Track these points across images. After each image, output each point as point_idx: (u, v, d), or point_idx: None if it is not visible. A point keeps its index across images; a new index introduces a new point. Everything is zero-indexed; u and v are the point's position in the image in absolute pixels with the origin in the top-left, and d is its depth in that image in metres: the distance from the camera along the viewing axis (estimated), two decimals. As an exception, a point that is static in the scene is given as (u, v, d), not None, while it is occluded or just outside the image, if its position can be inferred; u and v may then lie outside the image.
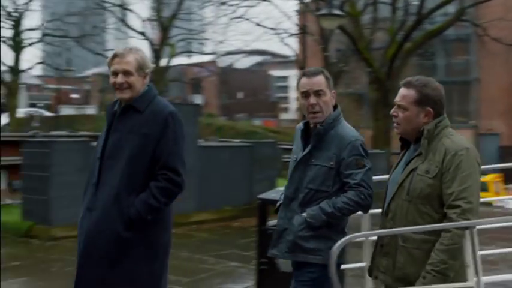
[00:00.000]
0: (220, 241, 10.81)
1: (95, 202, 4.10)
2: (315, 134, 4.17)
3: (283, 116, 74.75)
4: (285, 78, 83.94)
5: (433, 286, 3.50)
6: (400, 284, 3.74)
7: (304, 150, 4.20)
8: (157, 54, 34.53)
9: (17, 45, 36.20)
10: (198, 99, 64.95)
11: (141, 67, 4.18)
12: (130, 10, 35.37)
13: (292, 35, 27.50)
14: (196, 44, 38.98)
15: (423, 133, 3.75)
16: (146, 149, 4.10)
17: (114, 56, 4.16)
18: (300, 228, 4.12)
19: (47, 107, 55.40)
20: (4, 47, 36.13)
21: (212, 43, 37.52)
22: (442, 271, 3.52)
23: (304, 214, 4.12)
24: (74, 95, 72.24)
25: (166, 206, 4.15)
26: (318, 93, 4.16)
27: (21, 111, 37.94)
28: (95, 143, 7.14)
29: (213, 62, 54.63)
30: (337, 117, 4.24)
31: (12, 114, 35.34)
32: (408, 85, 3.82)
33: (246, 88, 70.94)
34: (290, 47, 29.81)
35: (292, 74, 48.67)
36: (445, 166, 3.64)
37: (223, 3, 26.41)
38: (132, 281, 4.09)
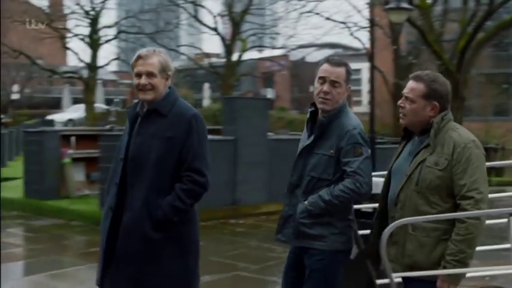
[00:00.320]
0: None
1: (117, 202, 4.22)
2: (319, 124, 4.25)
3: (355, 109, 73.77)
4: (357, 71, 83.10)
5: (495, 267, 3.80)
6: (408, 270, 3.85)
7: (309, 138, 4.29)
8: (228, 49, 34.84)
9: (94, 43, 37.15)
10: (269, 93, 65.14)
11: (163, 69, 4.24)
12: (202, 6, 35.72)
13: (362, 28, 27.44)
14: (268, 38, 39.07)
15: (432, 126, 3.86)
16: (172, 152, 4.18)
17: (138, 57, 4.23)
18: (302, 215, 4.21)
19: (123, 102, 56.69)
20: (82, 44, 37.33)
21: (283, 37, 37.68)
22: (462, 260, 3.66)
23: (305, 202, 4.22)
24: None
25: (192, 207, 4.24)
26: (334, 84, 4.21)
27: (98, 107, 38.93)
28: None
29: (284, 56, 54.70)
30: (342, 109, 4.28)
31: (90, 109, 36.32)
32: (418, 79, 3.94)
33: None
34: (360, 41, 29.69)
35: (365, 67, 48.23)
36: (455, 158, 3.76)
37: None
38: (167, 277, 4.21)
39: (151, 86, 4.19)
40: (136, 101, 4.45)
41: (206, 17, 34.61)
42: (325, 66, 4.25)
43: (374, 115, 16.10)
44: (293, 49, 41.39)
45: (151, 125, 4.23)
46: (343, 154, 4.17)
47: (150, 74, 4.18)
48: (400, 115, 4.02)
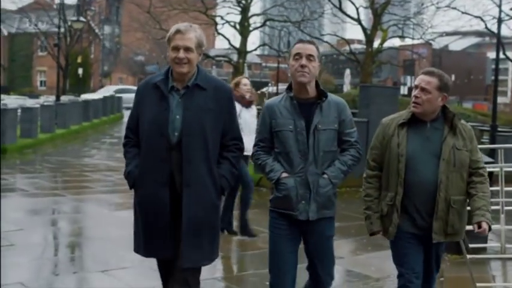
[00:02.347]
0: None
1: (179, 178, 4.28)
2: (319, 104, 4.50)
3: (500, 99, 71.98)
4: (504, 60, 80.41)
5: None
6: (449, 237, 4.47)
7: (304, 120, 4.48)
8: (369, 38, 35.94)
9: (245, 30, 39.65)
10: (409, 81, 65.53)
11: (199, 45, 4.28)
12: None
13: (500, 21, 28.37)
14: (408, 28, 40.14)
15: (447, 114, 4.47)
16: (218, 123, 4.36)
17: (177, 32, 4.24)
18: (328, 188, 4.49)
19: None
20: (233, 30, 40.00)
21: (423, 28, 38.57)
22: (490, 210, 4.43)
23: (325, 176, 4.49)
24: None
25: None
26: (309, 57, 4.46)
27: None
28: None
29: (427, 44, 55.15)
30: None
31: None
32: (431, 74, 4.45)
33: (461, 70, 69.61)
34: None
35: None
36: (470, 139, 4.49)
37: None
38: (216, 239, 4.53)
39: (187, 60, 4.23)
40: (153, 76, 4.53)
41: (349, 7, 35.96)
42: (299, 45, 4.54)
43: (496, 104, 17.60)
44: (435, 38, 41.87)
45: (196, 99, 4.30)
46: (344, 126, 4.58)
47: (187, 49, 4.22)
48: (413, 104, 4.44)
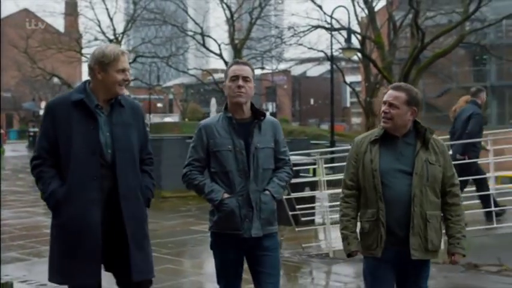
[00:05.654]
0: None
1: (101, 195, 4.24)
2: (256, 124, 4.53)
3: (356, 119, 75.21)
4: (358, 83, 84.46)
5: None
6: (429, 254, 4.31)
7: (243, 139, 4.48)
8: None
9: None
10: (271, 107, 69.29)
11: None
12: (208, 36, 40.12)
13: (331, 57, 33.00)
14: (266, 60, 44.06)
15: (426, 130, 4.33)
16: (138, 138, 4.45)
17: (123, 53, 4.35)
18: (271, 204, 4.52)
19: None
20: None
21: (278, 60, 42.73)
22: (465, 232, 4.41)
23: (267, 192, 4.50)
24: (159, 104, 77.91)
25: None
26: (245, 79, 4.48)
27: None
28: (188, 140, 11.03)
29: (285, 72, 59.25)
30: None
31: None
32: (398, 88, 4.35)
33: (319, 94, 72.85)
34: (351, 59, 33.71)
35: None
36: (443, 155, 4.37)
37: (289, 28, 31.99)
38: (151, 254, 4.53)
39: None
40: (66, 94, 4.51)
41: (212, 43, 39.30)
42: (235, 66, 4.57)
43: (333, 124, 21.85)
44: (290, 67, 45.65)
45: (120, 116, 4.36)
46: (279, 145, 4.62)
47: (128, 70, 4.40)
48: (383, 120, 4.34)
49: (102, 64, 4.27)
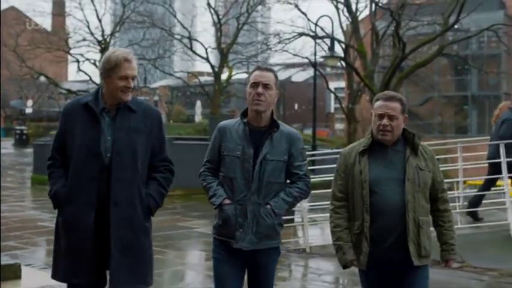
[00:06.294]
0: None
1: (102, 197, 4.20)
2: (270, 134, 4.36)
3: (340, 125, 75.48)
4: (342, 89, 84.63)
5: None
6: (423, 259, 4.26)
7: (254, 148, 4.34)
8: (217, 75, 39.63)
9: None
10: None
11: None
12: (196, 40, 40.81)
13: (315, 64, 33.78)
14: (251, 65, 44.70)
15: (414, 135, 4.31)
16: (148, 144, 4.36)
17: (126, 60, 4.25)
18: (270, 218, 4.33)
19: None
20: (93, 68, 42.72)
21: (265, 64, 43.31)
22: (456, 238, 4.39)
23: (268, 206, 4.32)
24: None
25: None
26: (266, 86, 4.32)
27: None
28: (175, 141, 11.45)
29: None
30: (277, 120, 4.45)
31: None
32: (393, 99, 4.27)
33: (303, 99, 72.88)
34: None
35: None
36: (432, 160, 4.35)
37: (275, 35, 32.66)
38: (149, 263, 4.44)
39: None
40: (81, 97, 4.56)
41: (199, 47, 39.84)
42: (257, 72, 4.42)
43: (315, 129, 22.56)
44: (278, 70, 46.30)
45: (126, 120, 4.29)
46: (293, 159, 4.41)
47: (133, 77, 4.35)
48: (382, 133, 4.25)
49: (105, 69, 4.27)
